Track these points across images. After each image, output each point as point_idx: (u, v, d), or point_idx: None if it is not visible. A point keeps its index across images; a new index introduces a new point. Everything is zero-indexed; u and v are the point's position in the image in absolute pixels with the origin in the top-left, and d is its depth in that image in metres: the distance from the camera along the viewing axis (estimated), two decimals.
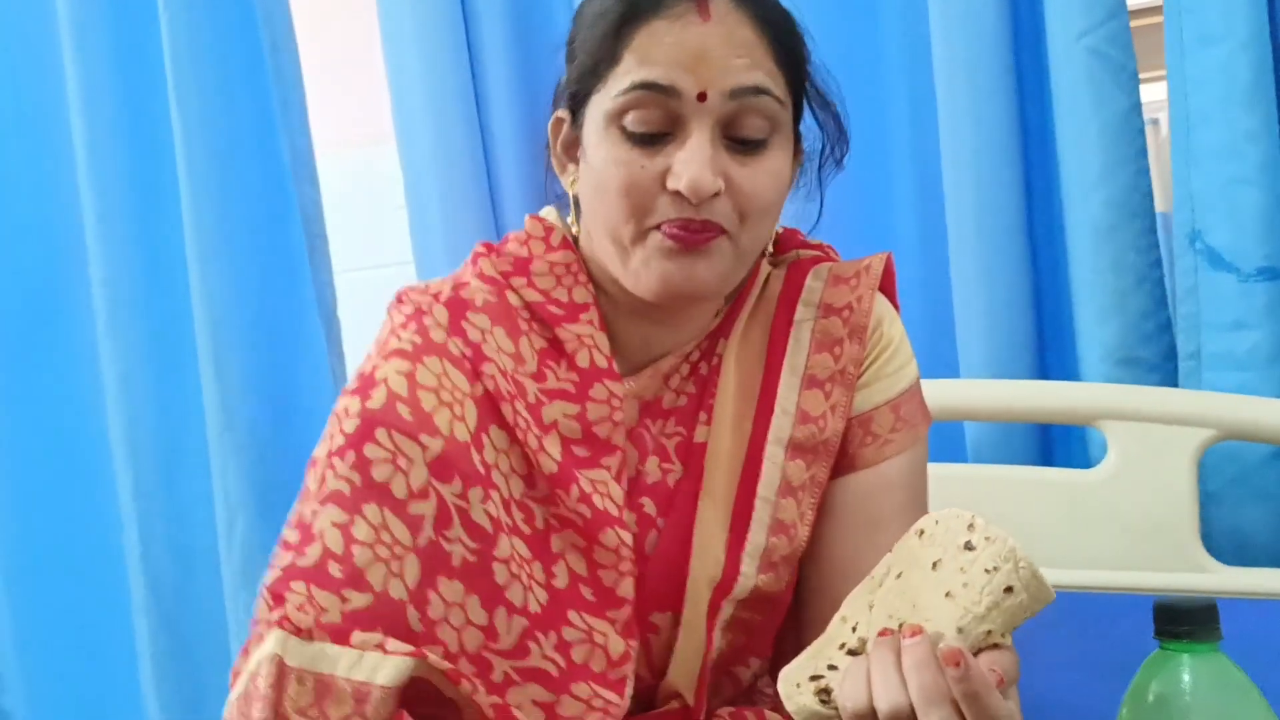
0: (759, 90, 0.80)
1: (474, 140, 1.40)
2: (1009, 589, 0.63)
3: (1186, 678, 0.65)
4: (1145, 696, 0.65)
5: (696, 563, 0.84)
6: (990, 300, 1.22)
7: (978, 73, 1.20)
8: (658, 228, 0.81)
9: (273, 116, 1.45)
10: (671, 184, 0.80)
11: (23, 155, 1.54)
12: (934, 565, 0.67)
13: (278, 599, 0.75)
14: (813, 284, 0.92)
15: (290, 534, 0.78)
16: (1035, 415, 1.20)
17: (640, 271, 0.83)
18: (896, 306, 0.94)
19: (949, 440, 1.28)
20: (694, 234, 0.80)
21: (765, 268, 0.93)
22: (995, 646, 0.65)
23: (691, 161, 0.79)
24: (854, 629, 0.70)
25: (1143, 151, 1.16)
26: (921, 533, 0.71)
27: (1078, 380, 1.20)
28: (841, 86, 1.24)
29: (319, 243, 1.47)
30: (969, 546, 0.66)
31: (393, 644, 0.73)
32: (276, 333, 1.47)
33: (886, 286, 0.93)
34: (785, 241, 0.96)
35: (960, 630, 0.64)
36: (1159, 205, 1.20)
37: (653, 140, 0.81)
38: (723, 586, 0.84)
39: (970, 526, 0.67)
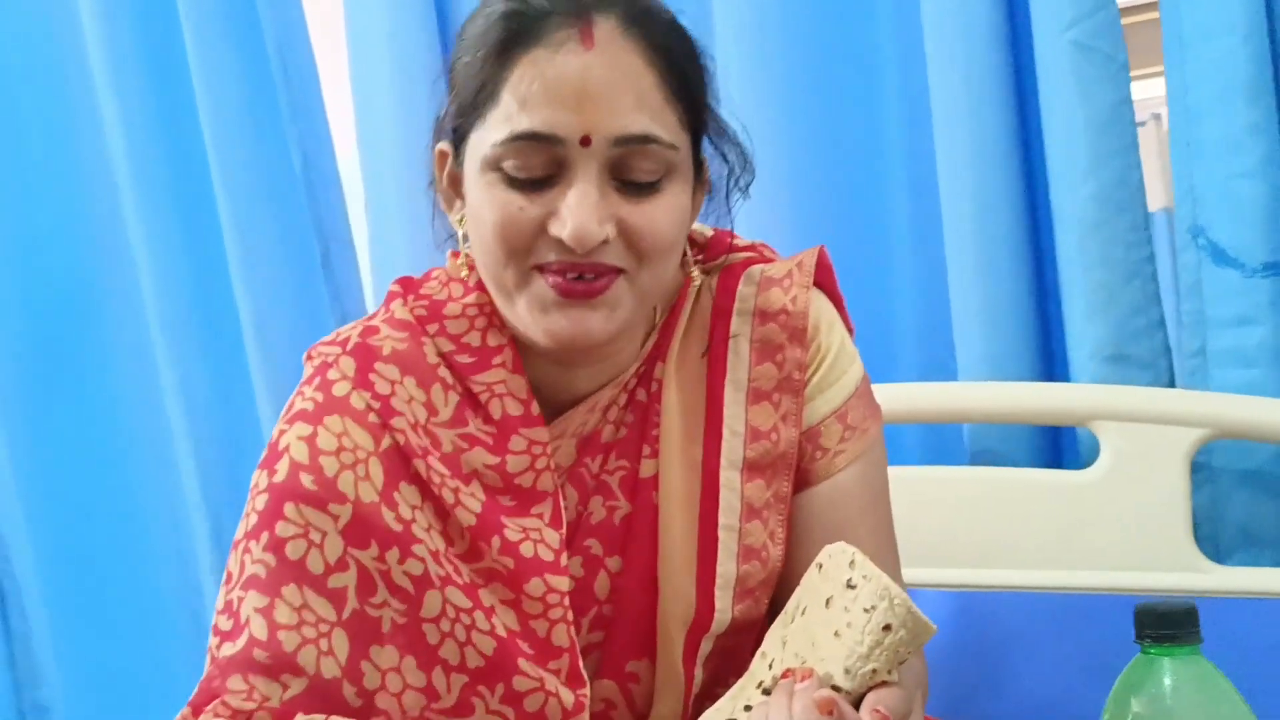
0: (646, 139, 0.76)
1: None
2: (887, 627, 0.64)
3: (1168, 681, 0.64)
4: (1127, 700, 0.65)
5: (666, 605, 0.82)
6: (988, 298, 1.20)
7: (971, 68, 1.18)
8: (541, 271, 0.77)
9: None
10: (555, 230, 0.75)
11: (68, 171, 1.55)
12: (827, 602, 0.68)
13: (217, 694, 0.73)
14: (745, 290, 0.87)
15: (222, 620, 0.76)
16: (1028, 417, 1.18)
17: (527, 321, 0.79)
18: (839, 299, 0.91)
19: (948, 442, 1.26)
20: (584, 286, 0.76)
21: (697, 277, 0.88)
22: (884, 684, 0.65)
23: (578, 209, 0.74)
24: (770, 665, 0.70)
25: (1133, 145, 1.14)
26: (820, 566, 0.71)
27: (1071, 379, 1.19)
28: (823, 85, 1.26)
29: (335, 245, 1.46)
30: (850, 585, 0.67)
31: None
32: (314, 331, 1.45)
33: (825, 281, 0.89)
34: (715, 245, 0.91)
35: (847, 671, 0.65)
36: (1162, 201, 1.18)
37: (535, 184, 0.76)
38: (698, 625, 0.82)
39: (851, 564, 0.68)
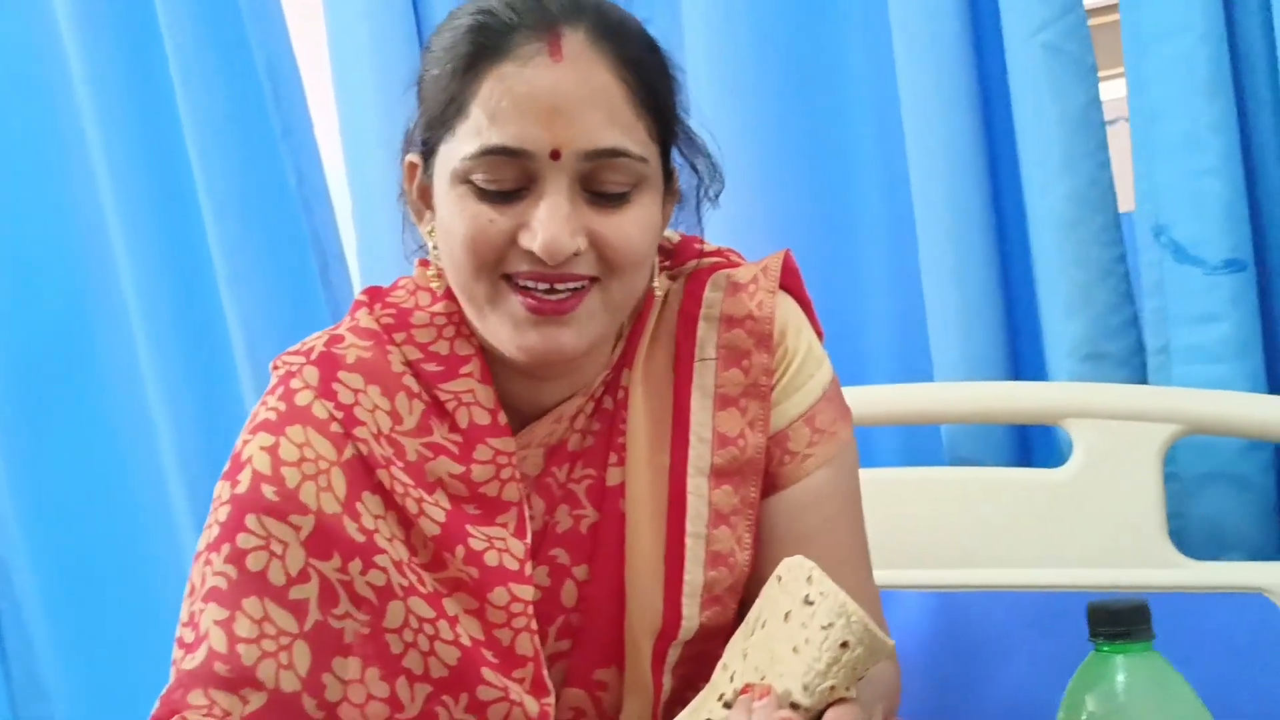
0: (616, 153, 0.76)
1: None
2: (844, 644, 0.65)
3: (1121, 678, 0.65)
4: (1081, 698, 0.66)
5: (633, 613, 0.82)
6: (962, 299, 1.21)
7: (941, 72, 1.19)
8: (511, 283, 0.77)
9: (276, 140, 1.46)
10: (526, 243, 0.76)
11: (54, 195, 1.56)
12: (786, 616, 0.68)
13: (178, 708, 0.73)
14: (711, 295, 0.87)
15: (185, 633, 0.77)
16: (1001, 416, 1.19)
17: (499, 335, 0.79)
18: (806, 302, 0.91)
19: (926, 442, 1.27)
20: (555, 305, 0.77)
21: (664, 283, 0.88)
22: (843, 700, 0.65)
23: (548, 221, 0.75)
24: (731, 678, 0.71)
25: (1103, 146, 1.15)
26: (779, 578, 0.71)
27: (1046, 378, 1.20)
28: (795, 88, 1.27)
29: (331, 260, 1.47)
30: (808, 601, 0.67)
31: None
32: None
33: (792, 284, 0.90)
34: (682, 250, 0.91)
35: (805, 688, 0.65)
36: (1125, 204, 1.19)
37: (505, 196, 0.77)
38: (666, 633, 0.82)
39: (809, 579, 0.68)
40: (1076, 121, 1.14)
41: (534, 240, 0.75)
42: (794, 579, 0.69)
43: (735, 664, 0.71)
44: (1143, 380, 1.17)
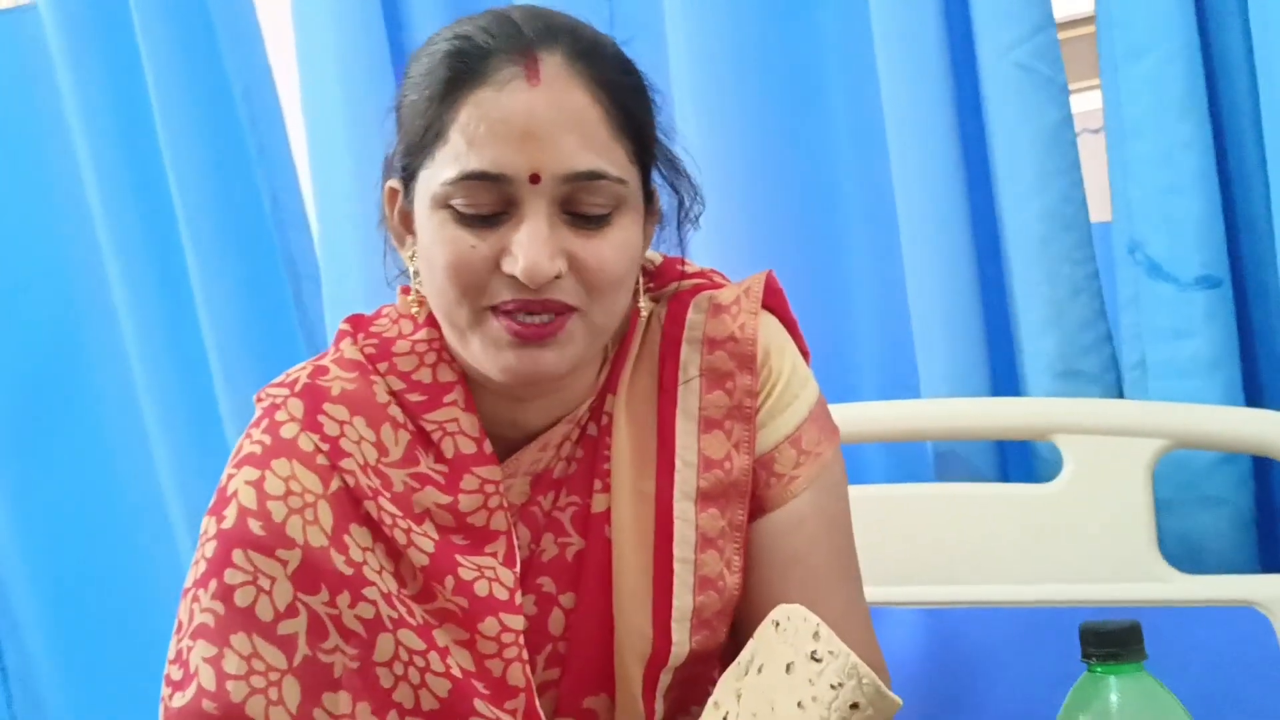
0: (594, 175, 0.77)
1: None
2: (855, 705, 0.65)
3: (1114, 698, 0.66)
4: (1075, 718, 0.66)
5: (622, 641, 0.82)
6: (947, 317, 1.22)
7: (920, 92, 1.20)
8: (495, 312, 0.78)
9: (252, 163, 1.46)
10: (508, 268, 0.76)
11: (46, 217, 1.57)
12: (788, 668, 0.68)
13: None
14: (694, 317, 0.87)
15: (173, 670, 0.76)
16: (990, 433, 1.20)
17: (482, 359, 0.79)
18: (791, 322, 0.91)
19: (912, 459, 1.28)
20: (537, 330, 0.77)
21: (646, 305, 0.88)
22: None
23: (529, 245, 0.75)
24: (724, 717, 0.70)
25: (1075, 164, 1.17)
26: (777, 625, 0.71)
27: (1026, 394, 1.20)
28: (776, 108, 1.28)
29: (305, 284, 1.47)
30: (815, 657, 0.67)
31: None
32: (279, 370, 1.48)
33: (775, 304, 0.90)
34: (665, 272, 0.91)
35: None
36: (1099, 215, 1.20)
37: (485, 220, 0.77)
38: (656, 660, 0.82)
39: (815, 635, 0.68)
40: (1049, 140, 1.16)
41: (515, 265, 0.75)
42: (797, 631, 0.69)
43: (729, 704, 0.71)
44: (1117, 396, 1.18)
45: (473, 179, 0.76)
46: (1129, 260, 1.16)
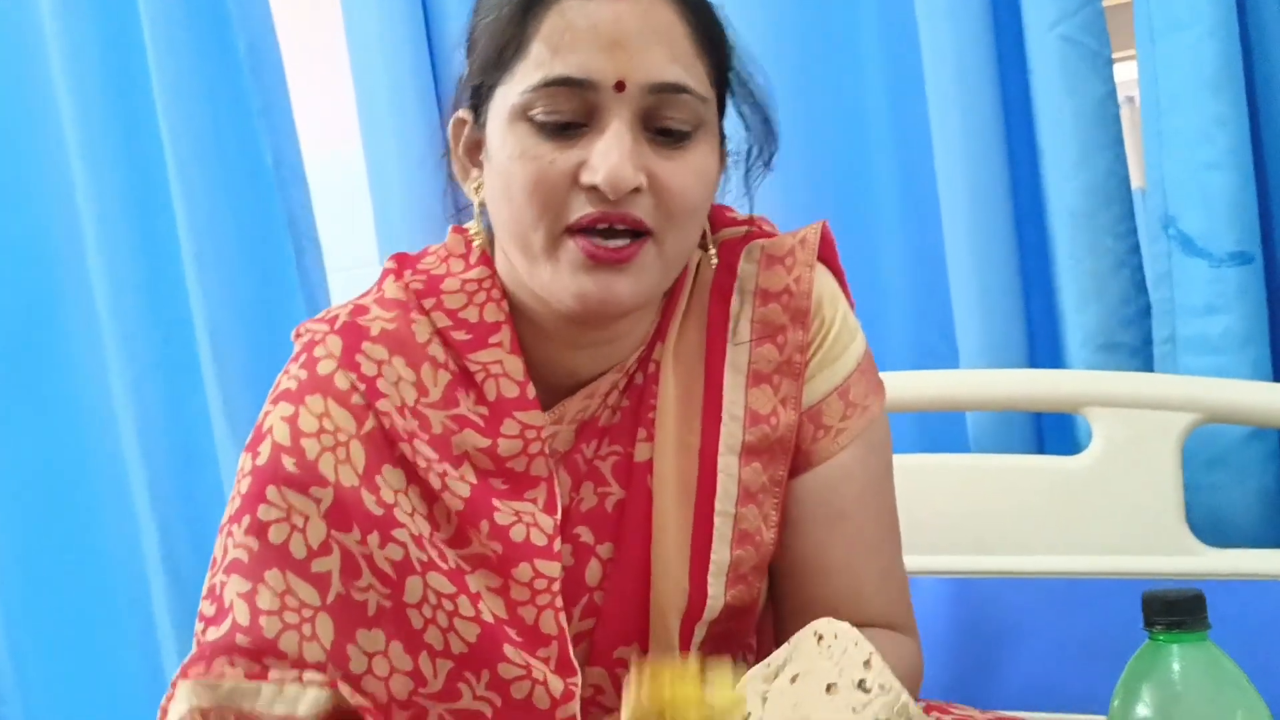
0: (680, 88, 0.75)
1: (435, 139, 1.40)
2: None
3: (1177, 668, 0.65)
4: (1137, 687, 0.66)
5: (658, 592, 0.81)
6: (984, 288, 1.22)
7: (963, 62, 1.20)
8: (573, 235, 0.76)
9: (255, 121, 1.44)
10: (587, 178, 0.74)
11: (21, 171, 1.53)
12: (829, 688, 0.67)
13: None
14: (746, 268, 0.86)
15: (206, 606, 0.76)
16: (1021, 404, 1.20)
17: (553, 286, 0.77)
18: (840, 273, 0.90)
19: (951, 429, 1.28)
20: (613, 253, 0.75)
21: (695, 253, 0.86)
22: None
23: (610, 153, 0.73)
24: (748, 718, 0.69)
25: (1118, 138, 1.17)
26: (820, 637, 0.70)
27: (1064, 366, 1.21)
28: (818, 77, 1.27)
29: (307, 244, 1.46)
30: (863, 687, 0.66)
31: (309, 675, 0.72)
32: (273, 336, 1.46)
33: (827, 255, 0.88)
34: (713, 219, 0.88)
35: None
36: (1137, 181, 1.20)
37: (565, 131, 0.75)
38: (691, 613, 0.81)
39: (867, 664, 0.67)
40: (1093, 114, 1.16)
41: (595, 174, 0.74)
42: (845, 652, 0.68)
43: (755, 707, 0.69)
44: (1150, 370, 1.19)
45: (557, 84, 0.74)
46: (1161, 235, 1.16)
